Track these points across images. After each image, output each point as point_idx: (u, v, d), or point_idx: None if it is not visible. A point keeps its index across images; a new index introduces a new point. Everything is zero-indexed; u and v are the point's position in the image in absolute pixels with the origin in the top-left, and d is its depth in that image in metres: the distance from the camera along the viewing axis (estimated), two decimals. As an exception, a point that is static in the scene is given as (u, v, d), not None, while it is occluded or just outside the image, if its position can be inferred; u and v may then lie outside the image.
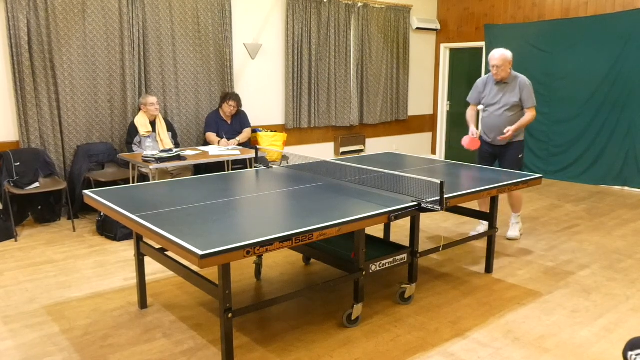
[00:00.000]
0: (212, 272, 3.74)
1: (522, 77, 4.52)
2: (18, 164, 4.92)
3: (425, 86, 9.01)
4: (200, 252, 2.16)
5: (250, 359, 2.76)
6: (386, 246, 3.47)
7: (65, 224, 5.19)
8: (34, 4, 5.03)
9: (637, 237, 4.87)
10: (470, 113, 4.83)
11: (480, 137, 4.73)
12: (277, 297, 2.77)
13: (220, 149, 5.42)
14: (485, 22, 8.20)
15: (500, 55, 4.43)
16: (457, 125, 9.02)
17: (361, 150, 8.09)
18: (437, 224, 5.29)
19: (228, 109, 5.91)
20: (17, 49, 4.97)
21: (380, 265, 3.16)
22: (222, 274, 2.44)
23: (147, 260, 3.71)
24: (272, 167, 4.13)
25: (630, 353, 1.94)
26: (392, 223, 4.86)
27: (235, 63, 6.56)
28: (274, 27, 6.88)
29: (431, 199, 3.00)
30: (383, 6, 7.92)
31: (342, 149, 7.82)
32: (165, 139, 5.48)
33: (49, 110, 5.24)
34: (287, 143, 6.99)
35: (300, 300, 3.43)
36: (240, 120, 6.07)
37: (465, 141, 4.61)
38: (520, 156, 4.67)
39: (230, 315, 2.51)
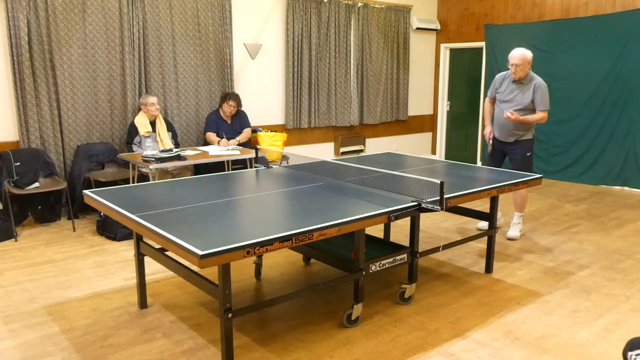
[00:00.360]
0: (212, 272, 3.74)
1: (539, 79, 4.55)
2: (18, 163, 4.92)
3: (425, 86, 9.01)
4: (200, 252, 2.16)
5: (250, 359, 2.76)
6: (386, 246, 3.47)
7: (65, 224, 5.19)
8: (34, 4, 5.03)
9: (637, 237, 4.87)
10: (487, 106, 4.96)
11: (488, 139, 4.84)
12: (277, 297, 2.77)
13: (220, 149, 5.42)
14: (485, 22, 8.20)
15: (520, 54, 4.48)
16: (457, 125, 9.02)
17: (361, 150, 8.09)
18: (437, 224, 5.29)
19: (228, 109, 5.91)
20: (17, 49, 4.97)
21: (380, 265, 3.16)
22: (222, 274, 2.44)
23: (147, 260, 3.71)
24: (272, 167, 4.13)
25: (630, 353, 1.94)
26: (392, 223, 4.86)
27: (235, 63, 6.56)
28: (274, 27, 6.88)
29: (431, 199, 3.00)
30: (383, 6, 7.92)
31: (342, 149, 7.82)
32: (165, 139, 5.48)
33: (49, 110, 5.24)
34: (287, 143, 6.99)
35: (300, 300, 3.43)
36: (240, 120, 6.07)
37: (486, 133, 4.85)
38: (528, 154, 4.73)
39: (230, 315, 2.51)
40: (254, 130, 6.44)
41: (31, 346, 2.88)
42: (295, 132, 7.26)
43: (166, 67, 5.93)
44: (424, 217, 5.41)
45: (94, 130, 5.56)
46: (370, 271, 3.12)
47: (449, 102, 9.06)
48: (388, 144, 8.53)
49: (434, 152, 9.30)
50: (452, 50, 8.89)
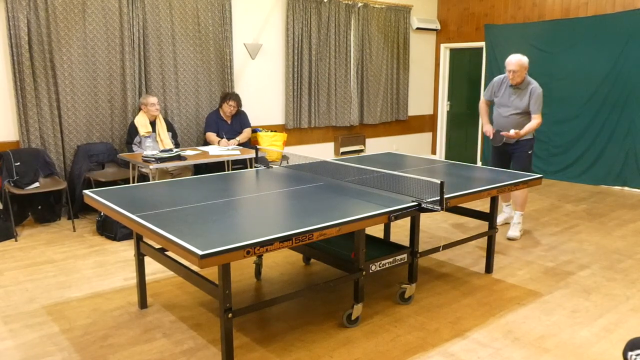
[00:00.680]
0: (212, 272, 3.74)
1: (535, 85, 4.64)
2: (18, 163, 4.92)
3: (425, 86, 9.01)
4: (200, 252, 2.16)
5: (250, 359, 2.76)
6: (386, 246, 3.47)
7: (65, 224, 5.19)
8: (34, 4, 5.03)
9: (637, 237, 4.87)
10: (482, 106, 5.02)
11: (490, 140, 4.89)
12: (277, 297, 2.77)
13: (220, 149, 5.42)
14: (485, 22, 8.20)
15: (517, 60, 4.56)
16: (457, 125, 9.02)
17: (361, 150, 8.09)
18: (437, 224, 5.29)
19: (228, 109, 5.91)
20: (17, 49, 4.97)
21: (380, 265, 3.16)
22: (222, 274, 2.44)
23: (147, 260, 3.71)
24: (272, 167, 4.13)
25: (630, 353, 1.94)
26: (392, 223, 4.86)
27: (235, 63, 6.56)
28: (274, 27, 6.88)
29: (431, 199, 3.00)
30: (383, 6, 7.92)
31: (342, 149, 7.82)
32: (165, 139, 5.48)
33: (49, 110, 5.24)
34: (287, 143, 6.99)
35: (300, 300, 3.43)
36: (240, 120, 6.07)
37: (486, 131, 4.87)
38: (529, 152, 4.79)
39: (230, 315, 2.51)
40: (254, 130, 6.44)
41: (31, 346, 2.88)
42: (295, 132, 7.26)
43: (166, 67, 5.93)
44: (424, 217, 5.41)
45: (94, 130, 5.56)
46: (370, 271, 3.12)
47: (449, 102, 9.06)
48: (388, 144, 8.53)
49: (434, 152, 9.30)
50: (452, 50, 8.89)
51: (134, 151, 5.40)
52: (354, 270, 3.06)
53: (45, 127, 5.25)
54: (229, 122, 6.00)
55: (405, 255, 3.31)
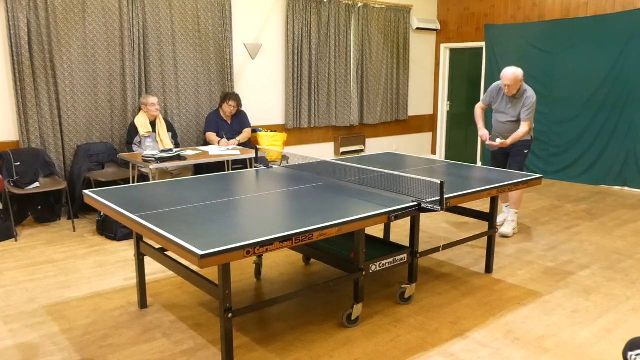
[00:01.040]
0: (212, 272, 3.74)
1: (530, 93, 4.71)
2: (18, 163, 4.92)
3: (425, 86, 9.01)
4: (200, 252, 2.16)
5: (250, 359, 2.76)
6: (386, 246, 3.47)
7: (65, 224, 5.19)
8: (34, 4, 5.03)
9: (637, 237, 4.87)
10: (478, 111, 5.12)
11: (485, 142, 4.99)
12: (277, 297, 2.77)
13: (220, 149, 5.42)
14: (485, 22, 8.20)
15: (511, 74, 4.64)
16: (457, 125, 9.02)
17: (361, 150, 8.09)
18: (437, 224, 5.29)
19: (228, 109, 5.91)
20: (17, 49, 4.97)
21: (380, 265, 3.16)
22: (222, 274, 2.44)
23: (147, 260, 3.71)
24: (272, 167, 4.13)
25: (630, 353, 1.94)
26: (392, 223, 4.86)
27: (235, 63, 6.56)
28: (274, 27, 6.88)
29: (431, 199, 3.00)
30: (383, 6, 7.93)
31: (342, 149, 7.83)
32: (165, 139, 5.48)
33: (49, 110, 5.24)
34: (287, 143, 6.99)
35: (300, 300, 3.43)
36: (240, 120, 6.07)
37: (481, 135, 4.98)
38: (525, 152, 4.89)
39: (230, 315, 2.51)
40: (254, 130, 6.44)
41: (31, 346, 2.88)
42: (295, 132, 7.26)
43: (166, 67, 5.93)
44: (424, 217, 5.41)
45: (94, 130, 5.56)
46: (370, 271, 3.12)
47: (449, 102, 9.06)
48: (388, 144, 8.53)
49: (434, 152, 9.30)
50: (452, 50, 8.89)
51: (134, 151, 5.40)
52: (354, 270, 3.06)
53: (45, 127, 5.25)
54: (229, 122, 6.00)
55: (405, 255, 3.31)
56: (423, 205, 2.97)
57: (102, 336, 2.99)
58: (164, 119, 5.61)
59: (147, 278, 3.78)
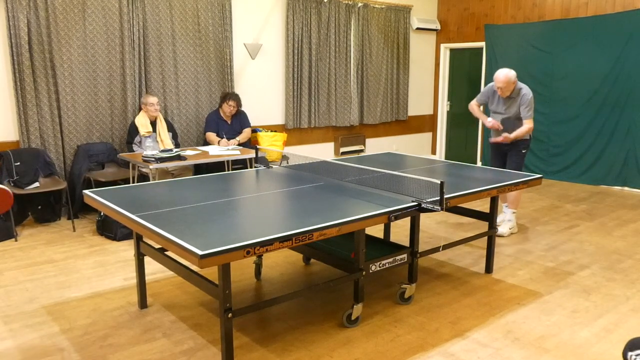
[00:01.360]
0: (212, 272, 3.74)
1: (525, 91, 4.71)
2: (18, 163, 4.92)
3: (425, 86, 9.01)
4: (200, 252, 2.16)
5: (250, 359, 2.76)
6: (386, 246, 3.47)
7: (65, 224, 5.19)
8: (34, 4, 5.03)
9: (637, 237, 4.87)
10: (474, 107, 5.09)
11: (488, 138, 5.03)
12: (277, 297, 2.77)
13: (220, 149, 5.42)
14: (485, 22, 8.20)
15: (504, 77, 4.65)
16: (457, 125, 9.02)
17: (361, 150, 8.09)
18: (437, 224, 5.29)
19: (228, 108, 5.91)
20: (17, 49, 4.97)
21: (380, 265, 3.16)
22: (222, 274, 2.44)
23: (147, 260, 3.71)
24: (272, 167, 4.14)
25: (630, 353, 1.94)
26: (392, 223, 4.86)
27: (235, 63, 6.56)
28: (274, 27, 6.88)
29: (431, 199, 3.00)
30: (383, 6, 7.92)
31: (342, 149, 7.83)
32: (165, 139, 5.48)
33: (49, 110, 5.24)
34: (287, 143, 6.99)
35: (300, 300, 3.44)
36: (240, 120, 6.07)
37: (491, 125, 4.89)
38: (523, 151, 4.89)
39: (230, 315, 2.51)
40: (254, 130, 6.44)
41: (31, 346, 2.88)
42: (295, 132, 7.26)
43: (166, 67, 5.93)
44: (424, 217, 5.41)
45: (94, 130, 5.56)
46: (370, 271, 3.12)
47: (449, 102, 9.06)
48: (388, 144, 8.53)
49: (434, 152, 9.30)
50: (452, 50, 8.89)
51: (134, 151, 5.40)
52: (354, 270, 3.06)
53: (45, 127, 5.25)
54: (229, 122, 6.00)
55: (405, 255, 3.31)
56: (423, 205, 2.97)
57: (102, 336, 2.99)
58: (164, 119, 5.61)
59: (147, 278, 3.78)
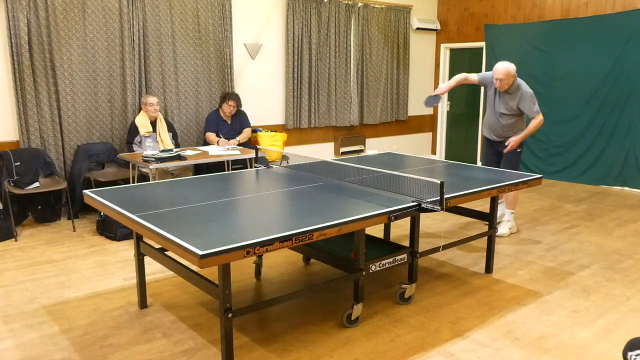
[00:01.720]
0: (212, 272, 3.74)
1: (524, 87, 4.64)
2: (18, 163, 4.92)
3: (425, 86, 9.01)
4: (200, 252, 2.16)
5: (250, 359, 2.76)
6: (386, 246, 3.47)
7: (65, 224, 5.19)
8: (34, 4, 5.03)
9: (637, 238, 4.87)
10: (459, 76, 4.83)
11: (484, 137, 4.97)
12: (277, 297, 2.77)
13: (220, 149, 5.42)
14: (485, 22, 8.20)
15: (503, 69, 4.56)
16: (457, 125, 9.02)
17: (361, 150, 8.09)
18: (437, 224, 5.29)
19: (228, 108, 5.91)
20: (17, 49, 4.97)
21: (380, 265, 3.16)
22: (222, 274, 2.44)
23: (147, 260, 3.71)
24: (272, 167, 4.14)
25: (630, 353, 1.94)
26: (392, 223, 4.86)
27: (235, 63, 6.56)
28: (274, 27, 6.88)
29: (431, 199, 3.00)
30: (383, 6, 7.92)
31: (342, 149, 7.83)
32: (165, 139, 5.48)
33: (49, 110, 5.24)
34: (287, 143, 6.99)
35: (300, 300, 3.43)
36: (240, 120, 6.07)
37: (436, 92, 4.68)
38: (519, 150, 4.84)
39: (230, 315, 2.51)
40: (254, 130, 6.44)
41: (31, 346, 2.88)
42: (295, 132, 7.26)
43: (166, 67, 5.93)
44: (424, 217, 5.41)
45: (94, 130, 5.56)
46: (370, 271, 3.12)
47: (449, 102, 9.06)
48: (388, 144, 8.53)
49: (434, 152, 9.30)
50: (452, 50, 8.89)
51: (134, 151, 5.40)
52: (354, 270, 3.06)
53: (45, 127, 5.25)
54: (228, 122, 6.00)
55: (405, 255, 3.31)
56: (423, 205, 2.97)
57: (102, 336, 2.99)
58: (164, 118, 5.61)
59: (147, 278, 3.78)
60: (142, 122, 5.40)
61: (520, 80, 4.67)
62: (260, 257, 3.86)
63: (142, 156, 4.82)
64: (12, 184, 4.84)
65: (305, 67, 7.11)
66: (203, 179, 3.66)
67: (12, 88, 5.05)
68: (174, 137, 5.66)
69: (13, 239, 4.71)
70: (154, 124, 5.48)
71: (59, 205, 5.32)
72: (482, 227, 5.08)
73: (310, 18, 7.06)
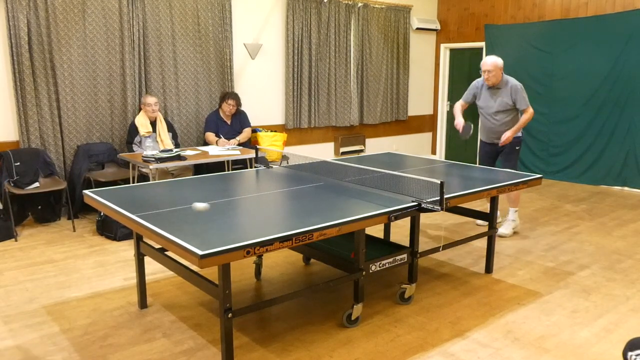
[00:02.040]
0: (212, 272, 3.74)
1: (513, 81, 4.68)
2: (18, 163, 4.92)
3: (425, 86, 9.01)
4: (200, 252, 2.16)
5: (250, 359, 2.76)
6: (386, 246, 3.47)
7: (65, 224, 5.19)
8: (34, 4, 5.03)
9: (637, 237, 4.87)
10: (457, 107, 5.05)
11: (481, 140, 5.00)
12: (277, 297, 2.77)
13: (220, 149, 5.42)
14: (485, 22, 8.20)
15: (492, 62, 4.61)
16: (457, 125, 9.02)
17: (361, 150, 8.09)
18: (437, 224, 5.29)
19: (227, 108, 5.90)
20: (17, 49, 4.97)
21: (380, 265, 3.16)
22: (222, 274, 2.44)
23: (147, 260, 3.71)
24: (272, 167, 4.13)
25: (630, 353, 1.94)
26: (392, 223, 4.86)
27: (235, 63, 6.56)
28: (274, 27, 6.88)
29: (431, 199, 3.00)
30: (383, 6, 7.92)
31: (342, 149, 7.82)
32: (165, 139, 5.48)
33: (49, 110, 5.24)
34: (287, 143, 6.99)
35: (300, 300, 3.43)
36: (240, 120, 6.07)
37: (460, 127, 4.85)
38: (517, 148, 4.85)
39: (230, 315, 2.51)
40: (254, 130, 6.43)
41: (31, 346, 2.88)
42: (295, 132, 7.26)
43: (166, 67, 5.93)
44: (424, 217, 5.41)
45: (94, 130, 5.56)
46: (370, 271, 3.12)
47: (448, 102, 9.05)
48: (388, 144, 8.52)
49: (434, 152, 9.30)
50: (452, 50, 8.89)
51: (134, 151, 5.40)
52: (354, 270, 3.06)
53: (45, 127, 5.25)
54: (228, 122, 6.00)
55: (405, 255, 3.31)
56: (423, 205, 2.97)
57: (102, 336, 2.99)
58: (164, 118, 5.61)
59: (147, 278, 3.78)
60: (142, 122, 5.40)
61: (508, 77, 4.70)
62: (260, 257, 3.86)
63: (142, 156, 4.82)
64: (12, 184, 4.84)
65: (305, 67, 7.11)
66: (203, 179, 3.66)
67: (12, 88, 5.05)
68: (174, 137, 5.66)
69: (13, 239, 4.71)
70: (153, 124, 5.48)
71: (59, 205, 5.32)
72: (482, 227, 5.07)
73: (310, 18, 7.06)
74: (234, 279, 3.81)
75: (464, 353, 2.83)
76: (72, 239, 4.76)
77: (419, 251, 3.38)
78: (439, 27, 8.76)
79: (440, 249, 3.60)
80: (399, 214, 2.87)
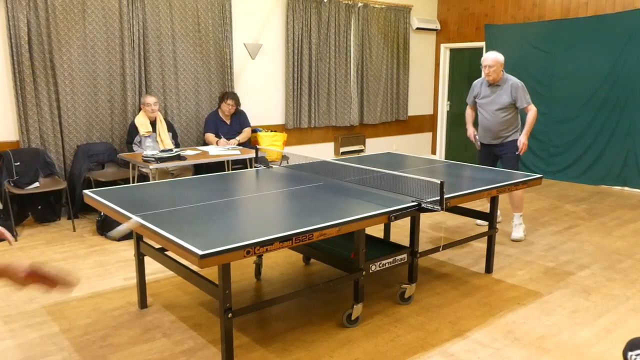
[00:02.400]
0: (212, 272, 3.74)
1: (513, 79, 4.66)
2: (18, 163, 4.92)
3: (425, 86, 9.01)
4: (200, 252, 2.16)
5: (250, 359, 2.76)
6: (386, 246, 3.47)
7: (65, 224, 5.19)
8: (34, 4, 5.03)
9: (637, 237, 4.87)
10: (468, 113, 5.06)
11: (479, 141, 4.94)
12: (277, 297, 2.77)
13: (220, 149, 5.42)
14: (485, 22, 8.20)
15: (493, 57, 4.59)
16: (457, 125, 9.02)
17: (361, 150, 8.09)
18: (437, 224, 5.29)
19: (227, 107, 5.90)
20: (17, 49, 4.97)
21: (380, 265, 3.16)
22: (222, 273, 2.44)
23: (147, 260, 3.71)
24: (272, 167, 4.13)
25: (630, 353, 1.94)
26: (392, 223, 4.86)
27: (235, 63, 6.56)
28: (274, 27, 6.88)
29: (431, 199, 3.00)
30: (383, 6, 7.92)
31: (342, 149, 7.82)
32: (165, 139, 5.48)
33: (49, 110, 5.24)
34: (287, 143, 6.99)
35: (300, 300, 3.43)
36: (239, 120, 6.07)
37: (472, 137, 4.92)
38: (517, 152, 4.79)
39: (230, 315, 2.51)
40: (254, 130, 6.44)
41: (31, 346, 2.88)
42: (295, 132, 7.26)
43: (166, 67, 5.93)
44: (424, 217, 5.41)
45: (94, 130, 5.56)
46: (370, 271, 3.12)
47: (449, 102, 9.06)
48: (388, 144, 8.52)
49: (434, 152, 9.30)
50: (452, 50, 8.89)
51: (134, 151, 5.40)
52: (354, 270, 3.06)
53: (45, 127, 5.25)
54: (228, 122, 6.00)
55: (405, 255, 3.31)
56: (423, 205, 2.97)
57: (102, 336, 2.99)
58: (164, 118, 5.61)
59: (147, 278, 3.78)
60: (142, 122, 5.40)
61: (508, 75, 4.69)
62: (260, 257, 3.86)
63: (142, 156, 4.82)
64: (12, 184, 4.84)
65: (305, 67, 7.11)
66: (203, 179, 3.66)
67: (12, 88, 5.05)
68: (174, 137, 5.66)
69: (13, 239, 4.70)
70: (153, 124, 5.48)
71: (59, 205, 5.32)
72: (482, 227, 5.07)
73: (310, 18, 7.06)
74: (234, 279, 3.81)
75: (464, 353, 2.83)
76: (72, 239, 4.76)
77: (419, 251, 3.38)
78: (439, 27, 8.76)
79: (440, 249, 3.60)
80: (399, 214, 2.87)
